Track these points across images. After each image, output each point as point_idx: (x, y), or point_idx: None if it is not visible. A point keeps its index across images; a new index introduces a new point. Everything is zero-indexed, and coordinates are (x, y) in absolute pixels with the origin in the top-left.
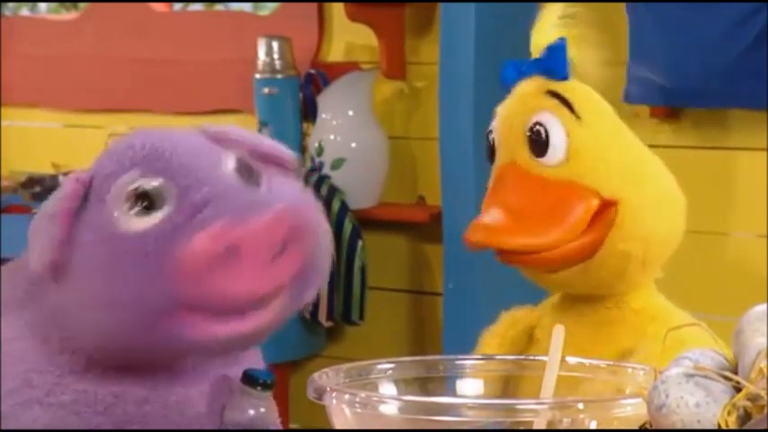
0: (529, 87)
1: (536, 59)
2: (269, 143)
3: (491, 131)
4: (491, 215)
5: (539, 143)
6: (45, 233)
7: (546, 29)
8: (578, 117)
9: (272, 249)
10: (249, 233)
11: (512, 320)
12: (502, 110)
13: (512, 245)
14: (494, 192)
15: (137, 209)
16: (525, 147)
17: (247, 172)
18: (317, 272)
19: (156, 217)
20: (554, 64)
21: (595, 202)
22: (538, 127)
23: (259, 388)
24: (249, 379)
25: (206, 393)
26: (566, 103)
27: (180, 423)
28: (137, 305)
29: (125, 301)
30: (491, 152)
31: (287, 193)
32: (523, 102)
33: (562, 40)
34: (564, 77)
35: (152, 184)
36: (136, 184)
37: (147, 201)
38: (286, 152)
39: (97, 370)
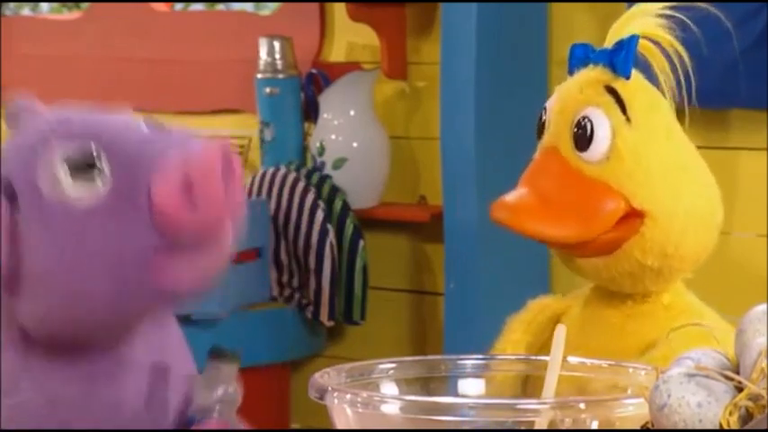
0: (590, 76)
1: (604, 50)
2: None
3: (545, 108)
4: (517, 194)
5: (583, 137)
6: None
7: (633, 22)
8: (629, 119)
9: (218, 175)
10: (195, 161)
11: (539, 307)
12: (559, 91)
13: (530, 230)
14: (530, 172)
15: (75, 176)
16: (570, 136)
17: (154, 123)
18: (240, 218)
19: (97, 178)
20: (619, 60)
21: (623, 208)
22: (585, 121)
23: (226, 360)
24: (218, 352)
25: (144, 386)
26: (620, 102)
27: (117, 422)
28: (112, 267)
29: (98, 267)
30: (541, 129)
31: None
32: (580, 90)
33: (634, 37)
34: (626, 76)
35: (80, 147)
36: (64, 153)
37: (81, 166)
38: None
39: (34, 375)
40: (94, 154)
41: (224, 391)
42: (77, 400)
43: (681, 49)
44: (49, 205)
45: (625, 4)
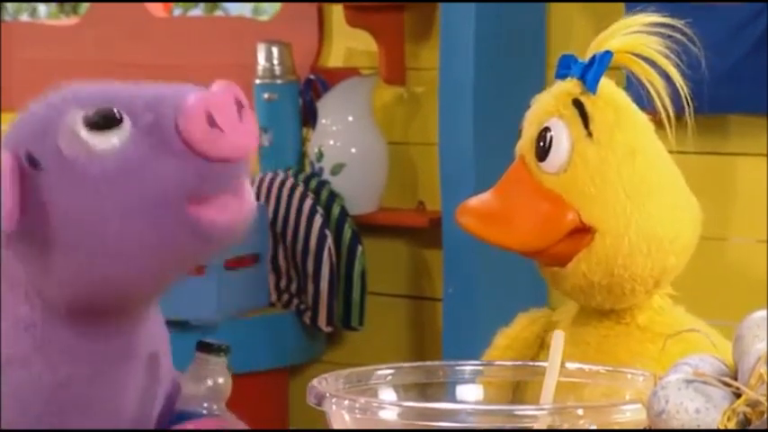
0: (563, 88)
1: (581, 63)
2: None
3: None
4: (479, 198)
5: (542, 148)
6: None
7: (616, 35)
8: (590, 134)
9: (235, 112)
10: (215, 98)
11: (526, 322)
12: (535, 102)
13: (482, 234)
14: (501, 179)
15: (99, 132)
16: (533, 146)
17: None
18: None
19: (122, 129)
20: (588, 75)
21: (573, 221)
22: (547, 132)
23: (213, 354)
24: (205, 346)
25: (141, 375)
26: (584, 116)
27: (117, 408)
28: (157, 206)
29: (143, 208)
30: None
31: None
32: (551, 101)
33: (607, 54)
34: (592, 91)
35: (94, 110)
36: (85, 113)
37: (103, 122)
38: None
39: (46, 356)
40: (112, 109)
41: (213, 382)
42: (86, 380)
43: (663, 61)
44: (76, 162)
45: (623, 5)
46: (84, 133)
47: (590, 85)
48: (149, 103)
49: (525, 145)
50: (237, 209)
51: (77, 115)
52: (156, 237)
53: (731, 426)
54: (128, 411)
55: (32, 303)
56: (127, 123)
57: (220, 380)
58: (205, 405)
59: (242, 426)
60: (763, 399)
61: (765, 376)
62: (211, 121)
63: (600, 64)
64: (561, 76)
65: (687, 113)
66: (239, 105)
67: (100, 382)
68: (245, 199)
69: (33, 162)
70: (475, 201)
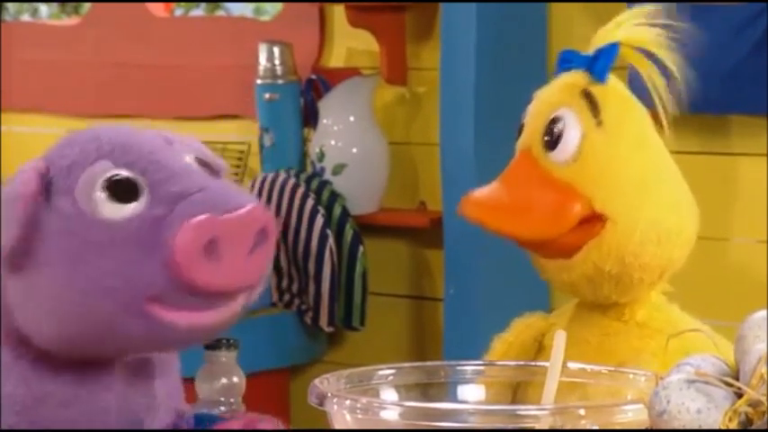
0: (569, 80)
1: (585, 55)
2: (207, 150)
3: (526, 111)
4: (485, 190)
5: (552, 137)
6: (4, 219)
7: (620, 28)
8: (600, 123)
9: (248, 245)
10: (230, 226)
11: (522, 327)
12: (539, 94)
13: (491, 225)
14: (506, 171)
15: (112, 198)
16: (541, 137)
17: (208, 168)
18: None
19: (133, 206)
20: (597, 65)
21: (585, 211)
22: (557, 122)
23: (224, 349)
24: (214, 343)
25: (126, 385)
26: (594, 105)
27: (103, 421)
28: (117, 291)
29: (105, 286)
30: (520, 131)
31: (246, 194)
32: (557, 92)
33: (614, 45)
34: (601, 80)
35: (127, 174)
36: (110, 173)
37: (121, 191)
38: (220, 161)
39: (22, 369)
40: (136, 186)
41: (227, 380)
42: (63, 399)
43: (667, 55)
44: (80, 214)
45: (624, 5)
46: (100, 196)
47: (599, 74)
48: (171, 196)
49: (531, 136)
50: (204, 319)
51: (103, 172)
52: (112, 318)
53: (733, 426)
54: (117, 420)
55: (8, 326)
56: (142, 202)
57: (234, 378)
58: (221, 400)
59: (267, 421)
60: (764, 399)
61: (766, 376)
62: (211, 249)
63: (608, 53)
64: (562, 70)
65: (687, 111)
66: (262, 236)
67: (80, 398)
68: (231, 312)
69: (48, 189)
70: (480, 192)
